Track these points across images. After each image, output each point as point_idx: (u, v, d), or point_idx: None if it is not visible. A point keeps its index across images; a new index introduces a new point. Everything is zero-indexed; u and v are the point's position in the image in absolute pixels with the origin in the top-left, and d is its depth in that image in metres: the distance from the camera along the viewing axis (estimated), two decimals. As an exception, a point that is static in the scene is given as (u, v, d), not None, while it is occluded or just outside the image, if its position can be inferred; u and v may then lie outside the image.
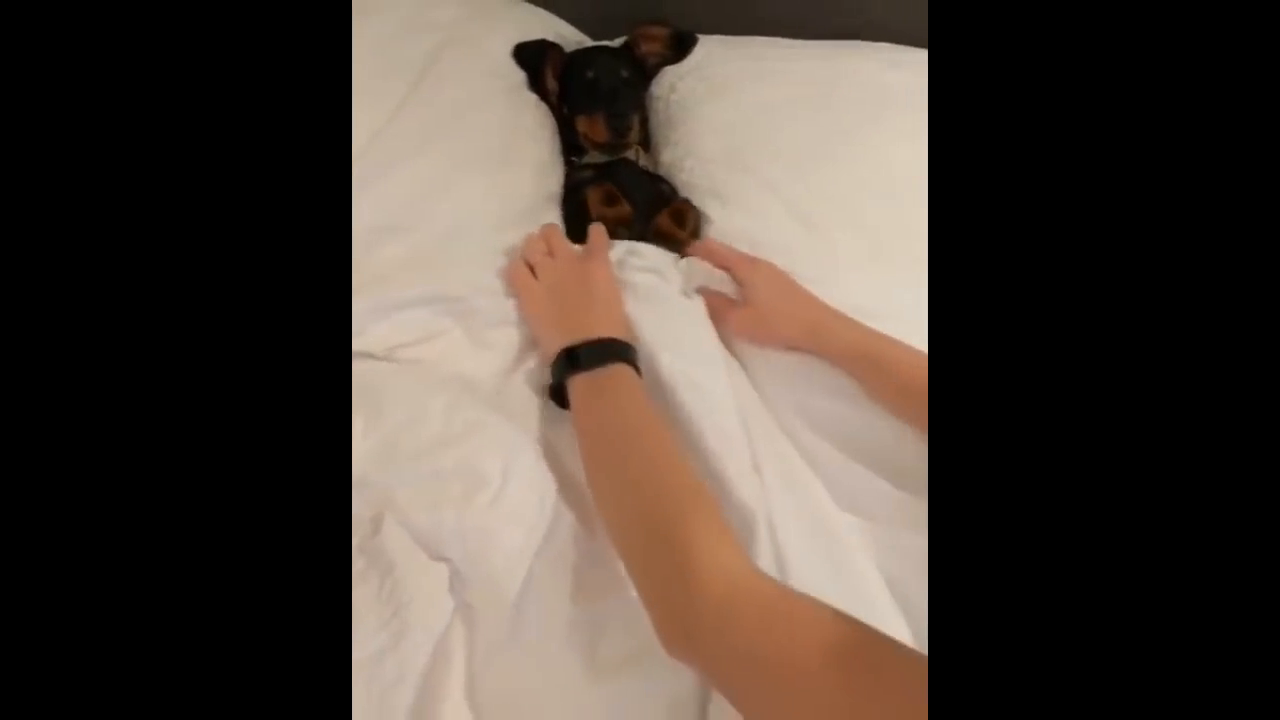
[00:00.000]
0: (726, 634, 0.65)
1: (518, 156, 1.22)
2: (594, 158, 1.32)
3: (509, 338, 1.02)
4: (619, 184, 1.24)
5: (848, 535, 0.93)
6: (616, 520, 0.82)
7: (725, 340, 1.08)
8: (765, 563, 0.83)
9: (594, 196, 1.21)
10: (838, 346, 1.02)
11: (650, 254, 1.14)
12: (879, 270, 1.18)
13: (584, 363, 0.91)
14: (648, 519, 0.77)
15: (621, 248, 1.11)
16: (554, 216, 1.20)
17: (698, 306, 1.09)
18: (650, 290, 1.06)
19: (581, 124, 1.30)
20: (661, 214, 1.21)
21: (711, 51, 1.39)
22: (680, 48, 1.39)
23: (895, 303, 1.11)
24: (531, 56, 1.32)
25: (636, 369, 0.93)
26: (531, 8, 1.44)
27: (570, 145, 1.33)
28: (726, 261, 1.10)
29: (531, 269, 1.04)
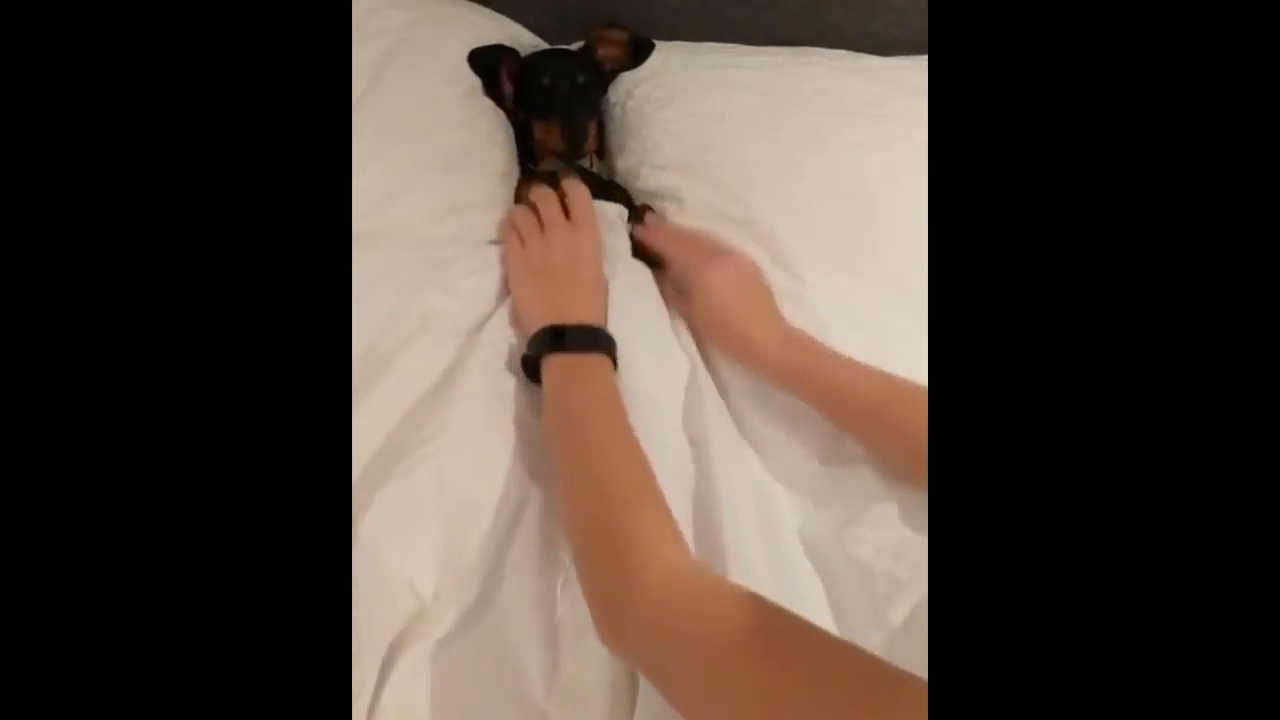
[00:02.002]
0: (658, 624, 0.67)
1: (475, 163, 1.21)
2: (549, 164, 1.30)
3: (480, 285, 1.04)
4: None
5: (774, 500, 0.96)
6: (566, 510, 0.84)
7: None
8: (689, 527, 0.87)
9: (532, 192, 1.19)
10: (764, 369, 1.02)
11: (604, 210, 1.16)
12: (839, 282, 1.17)
13: (568, 344, 0.93)
14: (594, 513, 0.79)
15: None
16: None
17: (646, 274, 1.12)
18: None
19: (538, 130, 1.28)
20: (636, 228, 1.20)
21: (669, 58, 1.37)
22: (638, 53, 1.37)
23: (856, 315, 1.12)
24: (486, 61, 1.30)
25: (614, 362, 0.95)
26: (486, 11, 1.41)
27: (526, 152, 1.32)
28: (673, 253, 1.10)
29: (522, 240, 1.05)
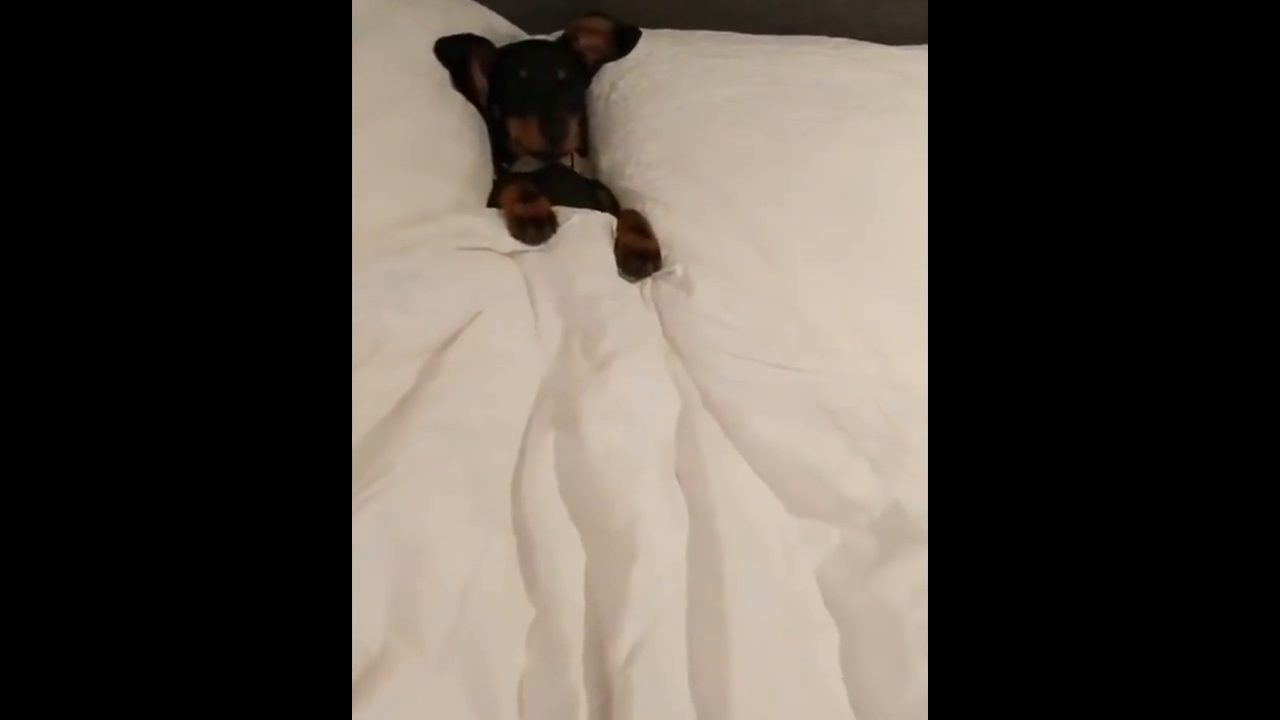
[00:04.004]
0: None
1: (441, 161, 1.14)
2: (526, 164, 1.24)
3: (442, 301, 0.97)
4: (552, 192, 1.15)
5: (790, 539, 0.87)
6: None
7: (679, 347, 1.02)
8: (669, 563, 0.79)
9: (510, 194, 1.13)
10: None
11: (589, 221, 1.13)
12: (839, 287, 1.10)
13: None
14: None
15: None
16: (483, 227, 1.11)
17: (633, 294, 1.06)
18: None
19: (514, 127, 1.22)
20: (621, 232, 1.13)
21: (656, 47, 1.30)
22: (622, 43, 1.30)
23: (857, 321, 1.07)
24: (455, 52, 1.22)
25: None
26: None
27: (501, 150, 1.25)
28: None
29: None
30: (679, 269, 1.09)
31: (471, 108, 1.22)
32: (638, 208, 1.17)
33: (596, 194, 1.23)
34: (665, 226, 1.14)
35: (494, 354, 0.95)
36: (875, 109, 1.23)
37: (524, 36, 1.36)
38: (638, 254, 1.10)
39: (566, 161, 1.25)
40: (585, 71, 1.30)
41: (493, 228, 1.09)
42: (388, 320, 0.91)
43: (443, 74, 1.21)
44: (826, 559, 0.86)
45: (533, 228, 1.08)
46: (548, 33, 1.34)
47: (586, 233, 1.11)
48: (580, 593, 0.79)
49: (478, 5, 1.35)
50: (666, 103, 1.23)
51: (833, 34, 1.37)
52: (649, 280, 1.10)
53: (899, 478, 0.87)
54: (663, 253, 1.12)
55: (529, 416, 0.92)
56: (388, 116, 1.09)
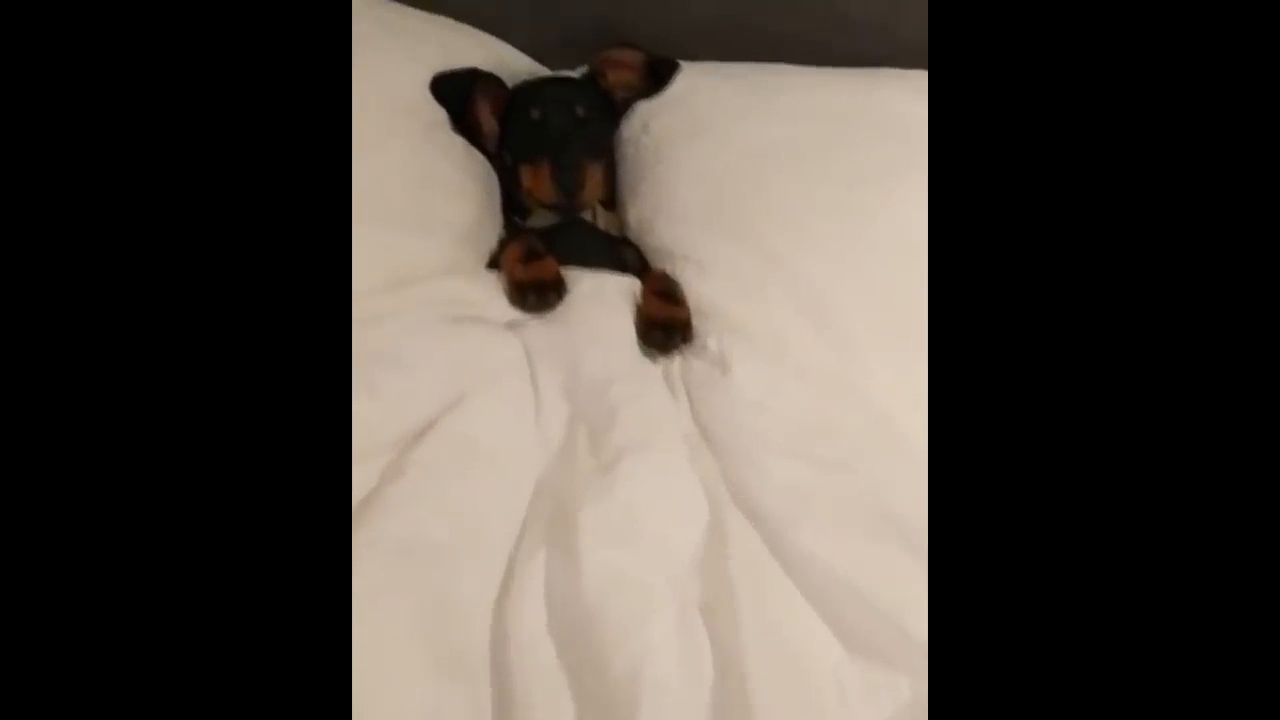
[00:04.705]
0: None
1: (428, 217, 1.02)
2: (541, 218, 1.10)
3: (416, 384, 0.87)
4: (566, 250, 1.03)
5: (848, 688, 0.75)
6: None
7: (712, 440, 0.92)
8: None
9: (511, 253, 1.01)
10: None
11: (602, 286, 1.02)
12: (913, 367, 0.94)
13: None
14: None
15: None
16: (474, 292, 0.99)
17: (655, 375, 0.96)
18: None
19: (525, 176, 1.09)
20: (644, 298, 1.01)
21: (696, 81, 1.16)
22: (657, 78, 1.16)
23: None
24: (454, 90, 1.10)
25: None
26: (461, 27, 1.21)
27: (514, 202, 1.12)
28: None
29: None
30: (713, 343, 0.98)
31: (475, 153, 1.10)
32: (667, 268, 1.04)
33: (622, 253, 1.09)
34: (698, 290, 1.02)
35: (477, 449, 0.84)
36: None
37: (544, 73, 1.23)
38: (662, 324, 0.97)
39: (588, 215, 1.12)
40: (614, 111, 1.16)
41: (487, 293, 0.98)
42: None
43: (436, 113, 1.08)
44: (895, 717, 0.73)
45: (534, 294, 0.95)
46: (573, 68, 1.21)
47: (601, 299, 0.99)
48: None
49: (485, 35, 1.22)
50: (706, 144, 1.11)
51: (904, 65, 1.22)
52: (678, 357, 0.97)
53: None
54: (695, 323, 0.99)
55: (521, 525, 0.79)
56: (363, 164, 0.95)
